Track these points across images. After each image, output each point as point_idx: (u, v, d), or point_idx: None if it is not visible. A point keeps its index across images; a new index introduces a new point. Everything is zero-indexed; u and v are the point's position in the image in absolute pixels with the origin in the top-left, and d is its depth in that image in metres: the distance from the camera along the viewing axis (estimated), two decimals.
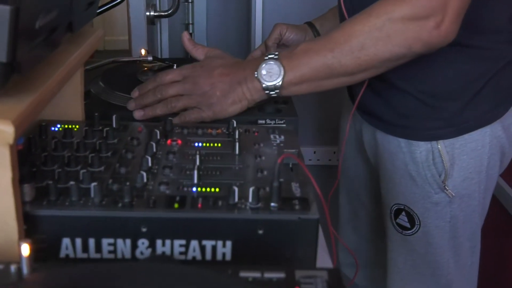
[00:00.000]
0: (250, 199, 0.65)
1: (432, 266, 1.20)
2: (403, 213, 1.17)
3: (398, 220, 1.19)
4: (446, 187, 1.12)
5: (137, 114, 0.99)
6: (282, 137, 0.86)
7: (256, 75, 0.96)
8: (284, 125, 0.98)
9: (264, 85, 0.96)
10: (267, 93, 0.97)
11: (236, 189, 0.65)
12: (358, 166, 1.36)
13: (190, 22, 1.81)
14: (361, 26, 0.93)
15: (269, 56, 0.97)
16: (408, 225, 1.18)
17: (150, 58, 1.20)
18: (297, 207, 0.65)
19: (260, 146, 0.82)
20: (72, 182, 0.65)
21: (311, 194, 0.69)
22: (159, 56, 1.69)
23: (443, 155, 1.10)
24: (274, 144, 0.83)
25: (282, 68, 0.95)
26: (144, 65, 1.21)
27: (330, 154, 1.90)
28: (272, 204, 0.65)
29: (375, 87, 1.13)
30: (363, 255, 1.43)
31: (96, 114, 0.87)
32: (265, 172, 0.74)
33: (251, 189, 0.65)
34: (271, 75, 0.95)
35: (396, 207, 1.18)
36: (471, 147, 1.11)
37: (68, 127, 0.85)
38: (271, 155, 0.79)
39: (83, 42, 0.84)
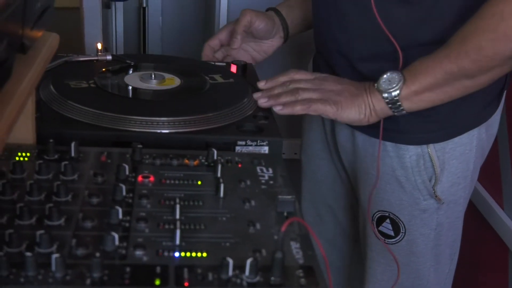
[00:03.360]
0: (247, 272, 0.54)
1: (413, 276, 1.15)
2: (388, 220, 1.11)
3: (381, 228, 1.12)
4: (435, 193, 1.06)
5: (261, 101, 0.99)
6: (270, 170, 0.75)
7: (376, 86, 0.96)
8: (267, 147, 0.87)
9: (384, 95, 0.95)
10: (388, 104, 0.96)
11: (230, 261, 0.54)
12: (326, 169, 1.27)
13: (144, 5, 1.65)
14: (474, 29, 0.90)
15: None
16: (392, 233, 1.12)
17: (109, 57, 1.06)
18: (302, 281, 0.55)
19: (246, 184, 0.71)
20: (28, 253, 0.53)
21: (315, 258, 0.58)
22: (114, 48, 1.54)
23: (433, 160, 1.05)
24: (263, 181, 0.72)
25: (402, 77, 0.94)
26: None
27: (296, 147, 1.79)
28: (273, 278, 0.55)
29: None
30: (328, 260, 1.36)
31: (51, 140, 0.74)
32: (258, 226, 0.63)
33: (248, 261, 0.54)
34: (389, 83, 0.95)
35: (379, 214, 1.11)
36: (460, 151, 1.06)
37: (17, 159, 0.72)
38: (261, 199, 0.68)
39: (35, 59, 0.70)
